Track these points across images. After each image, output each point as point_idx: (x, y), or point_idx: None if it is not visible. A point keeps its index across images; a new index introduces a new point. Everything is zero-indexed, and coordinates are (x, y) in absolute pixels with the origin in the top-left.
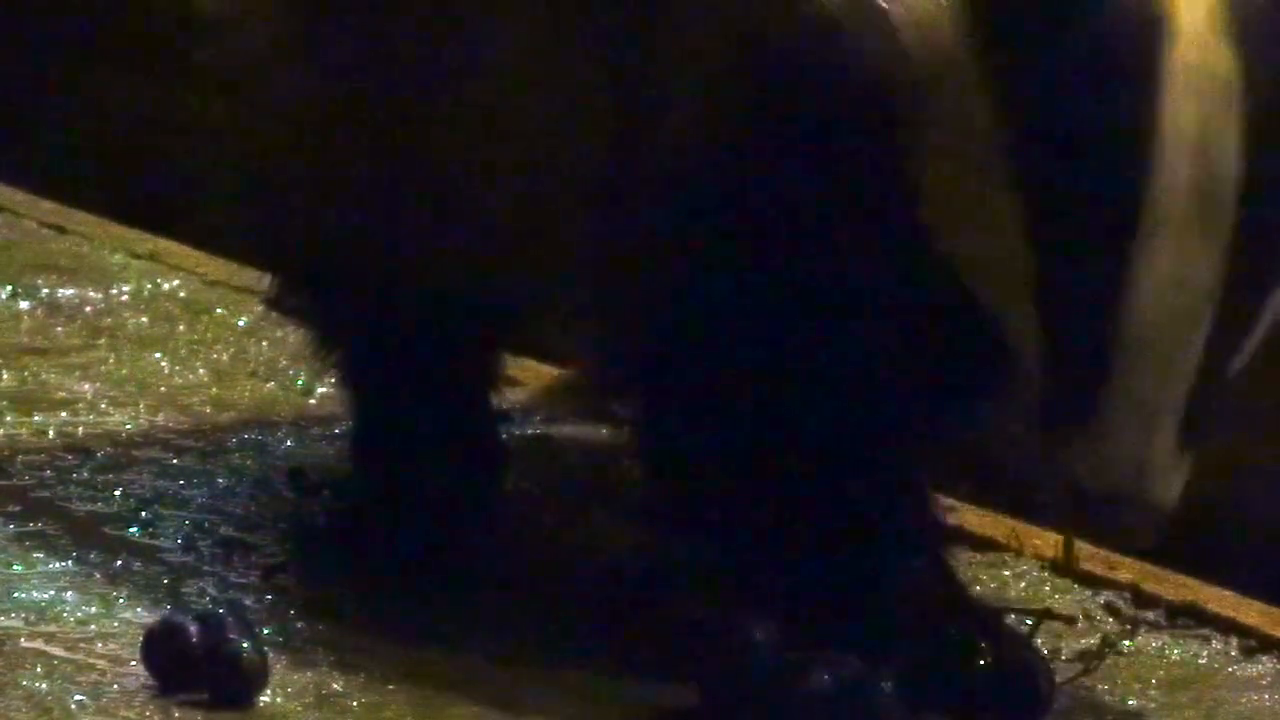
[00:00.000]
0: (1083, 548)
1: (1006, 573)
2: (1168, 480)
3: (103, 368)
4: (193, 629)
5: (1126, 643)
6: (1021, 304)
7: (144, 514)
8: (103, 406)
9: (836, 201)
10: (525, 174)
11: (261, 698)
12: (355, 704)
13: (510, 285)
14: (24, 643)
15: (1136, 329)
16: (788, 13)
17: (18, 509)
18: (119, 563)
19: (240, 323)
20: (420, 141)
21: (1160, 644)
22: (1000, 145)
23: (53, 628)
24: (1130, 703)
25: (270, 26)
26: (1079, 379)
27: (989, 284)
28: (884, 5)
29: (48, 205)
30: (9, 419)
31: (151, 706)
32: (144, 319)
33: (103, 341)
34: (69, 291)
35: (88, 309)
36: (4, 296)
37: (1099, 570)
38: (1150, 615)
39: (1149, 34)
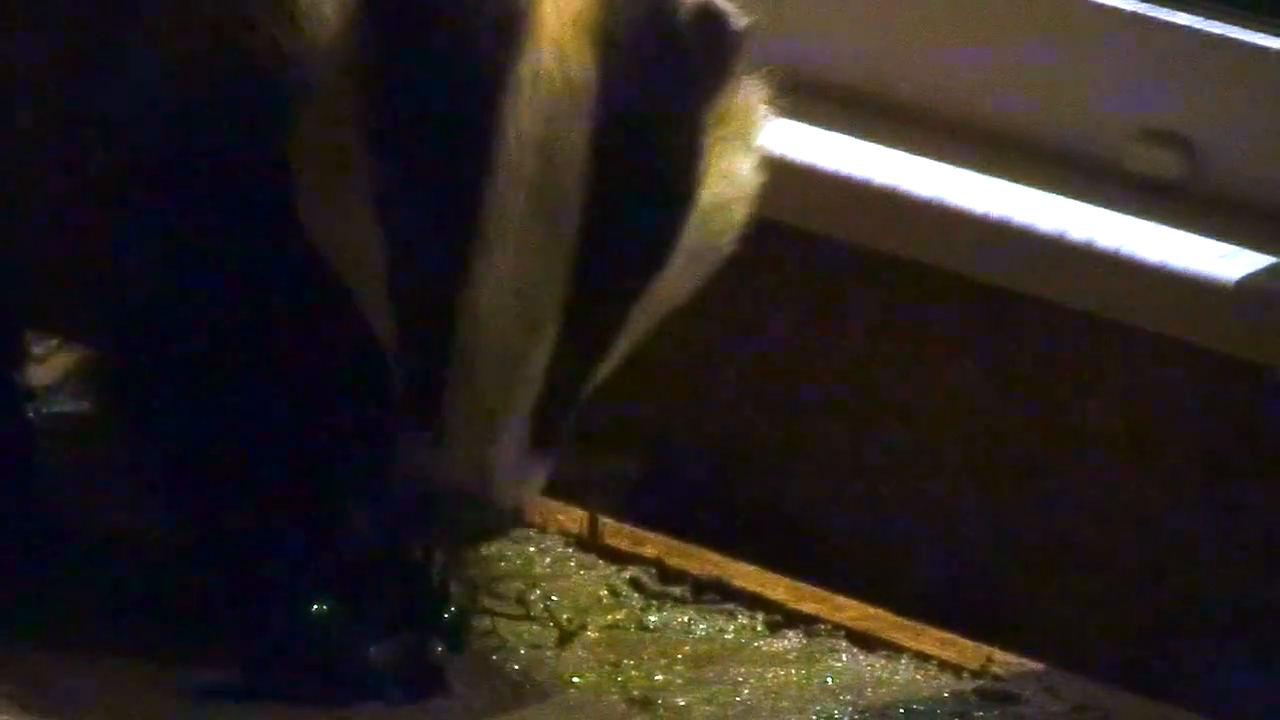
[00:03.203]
0: (607, 523)
1: (532, 548)
2: (514, 484)
3: None
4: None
5: (653, 618)
6: (378, 300)
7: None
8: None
9: (226, 184)
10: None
11: None
12: None
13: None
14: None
15: (476, 332)
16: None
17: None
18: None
19: None
20: None
21: (686, 619)
22: (361, 138)
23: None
24: (656, 678)
25: None
26: (426, 379)
27: (353, 280)
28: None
29: None
30: None
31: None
32: None
33: None
34: None
35: None
36: None
37: (624, 545)
38: (676, 590)
39: (501, 36)
